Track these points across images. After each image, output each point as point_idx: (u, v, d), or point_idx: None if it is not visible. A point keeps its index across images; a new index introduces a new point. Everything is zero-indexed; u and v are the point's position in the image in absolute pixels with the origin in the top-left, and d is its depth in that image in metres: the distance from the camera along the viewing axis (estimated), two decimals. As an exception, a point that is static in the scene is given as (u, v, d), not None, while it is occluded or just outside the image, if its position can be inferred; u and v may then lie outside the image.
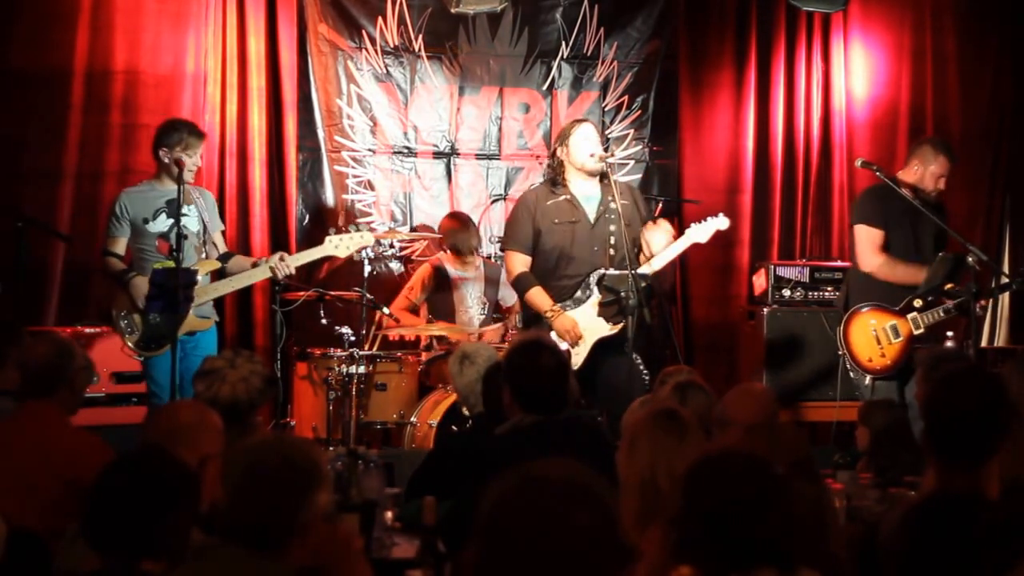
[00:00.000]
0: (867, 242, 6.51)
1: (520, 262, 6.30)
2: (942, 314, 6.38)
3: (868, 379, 6.43)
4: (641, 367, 6.08)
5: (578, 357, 6.15)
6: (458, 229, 7.44)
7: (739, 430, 3.49)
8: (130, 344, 6.08)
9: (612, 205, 6.21)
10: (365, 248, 6.62)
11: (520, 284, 6.31)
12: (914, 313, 6.39)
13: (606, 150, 6.62)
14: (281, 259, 6.22)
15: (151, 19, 7.65)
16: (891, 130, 8.70)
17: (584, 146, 6.27)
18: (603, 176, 6.30)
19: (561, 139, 6.37)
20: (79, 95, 7.51)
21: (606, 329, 6.19)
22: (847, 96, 8.77)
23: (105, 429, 5.61)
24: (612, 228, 6.21)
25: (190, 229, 6.14)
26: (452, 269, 7.38)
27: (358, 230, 6.42)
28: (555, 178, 6.34)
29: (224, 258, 6.34)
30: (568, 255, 6.24)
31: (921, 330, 6.38)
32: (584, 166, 6.27)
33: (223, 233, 6.56)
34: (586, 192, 6.31)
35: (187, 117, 6.67)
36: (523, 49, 8.30)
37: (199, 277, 6.07)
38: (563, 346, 6.12)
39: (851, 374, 6.58)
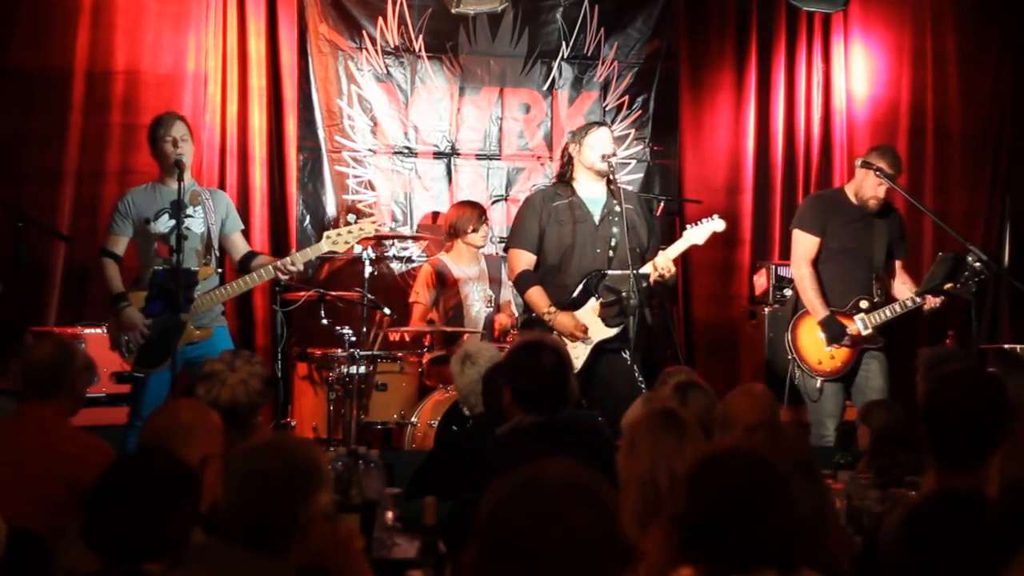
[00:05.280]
0: (798, 248, 6.65)
1: (524, 260, 6.32)
2: (888, 314, 6.45)
3: (819, 382, 6.49)
4: (638, 376, 6.06)
5: (578, 361, 6.15)
6: (468, 213, 7.40)
7: (740, 431, 3.49)
8: (130, 363, 6.05)
9: (616, 208, 6.23)
10: (369, 244, 6.55)
11: (520, 283, 6.34)
12: (861, 314, 6.46)
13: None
14: (286, 262, 6.10)
15: (152, 19, 7.65)
16: (891, 130, 8.69)
17: (598, 148, 6.29)
18: (609, 180, 6.33)
19: (576, 137, 6.40)
20: (80, 95, 7.51)
21: (604, 332, 6.20)
22: (847, 96, 8.77)
23: (105, 429, 5.60)
24: (615, 230, 6.22)
25: (192, 231, 6.03)
26: (455, 267, 7.36)
27: (356, 221, 6.32)
28: (563, 175, 6.38)
29: (248, 257, 6.27)
30: (571, 255, 6.26)
31: (869, 331, 6.48)
32: (594, 165, 6.30)
33: (244, 233, 6.46)
34: (592, 194, 6.33)
35: (187, 117, 6.66)
36: (523, 49, 8.30)
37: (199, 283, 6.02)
38: (570, 348, 6.14)
39: (796, 380, 6.62)
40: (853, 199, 6.62)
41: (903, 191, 6.98)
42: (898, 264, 6.76)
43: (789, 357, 6.58)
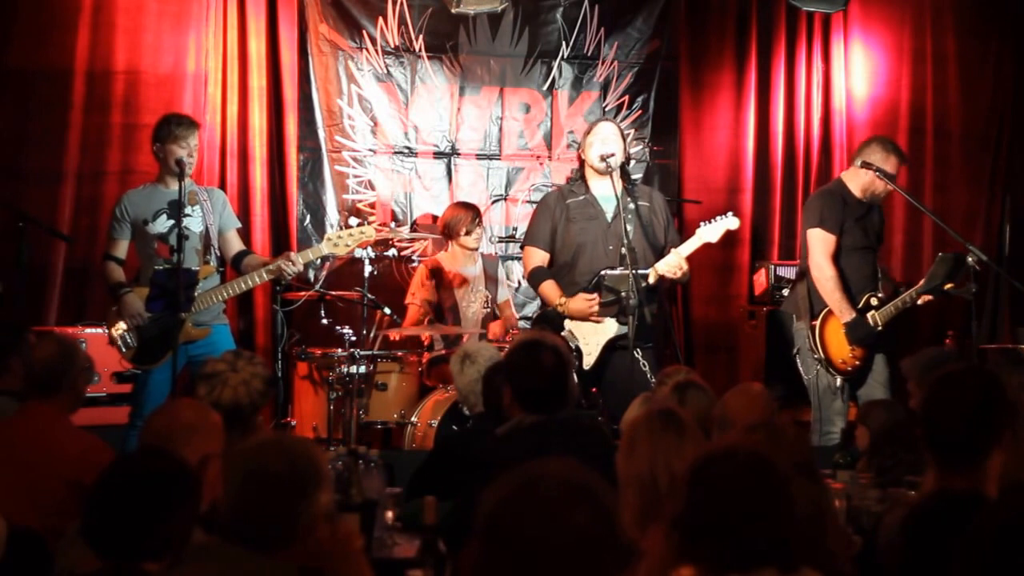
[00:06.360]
0: (822, 248, 6.49)
1: (537, 258, 6.37)
2: (892, 310, 6.45)
3: (839, 380, 6.46)
4: (647, 371, 6.05)
5: (590, 357, 6.17)
6: (462, 215, 7.38)
7: (739, 430, 3.50)
8: (127, 359, 6.05)
9: (630, 205, 6.23)
10: (368, 245, 6.57)
11: (534, 278, 6.40)
12: (872, 312, 6.45)
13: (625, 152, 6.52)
14: (288, 259, 6.10)
15: (152, 19, 7.66)
16: (891, 130, 8.68)
17: (596, 146, 6.29)
18: (625, 177, 6.34)
19: (585, 135, 6.43)
20: (80, 95, 7.52)
21: (615, 329, 6.20)
22: (847, 96, 8.78)
23: (105, 429, 5.61)
24: (627, 228, 6.20)
25: (192, 230, 6.04)
26: (451, 268, 7.34)
27: (358, 225, 6.35)
28: (574, 177, 6.40)
29: (240, 256, 6.26)
30: (582, 252, 6.29)
31: (879, 328, 6.43)
32: (594, 165, 6.30)
33: (239, 231, 6.46)
34: (605, 192, 6.33)
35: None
36: (523, 49, 8.31)
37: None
38: (582, 345, 6.16)
39: (807, 379, 6.57)
40: (859, 195, 6.57)
41: (903, 191, 6.97)
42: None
43: (816, 357, 6.46)
